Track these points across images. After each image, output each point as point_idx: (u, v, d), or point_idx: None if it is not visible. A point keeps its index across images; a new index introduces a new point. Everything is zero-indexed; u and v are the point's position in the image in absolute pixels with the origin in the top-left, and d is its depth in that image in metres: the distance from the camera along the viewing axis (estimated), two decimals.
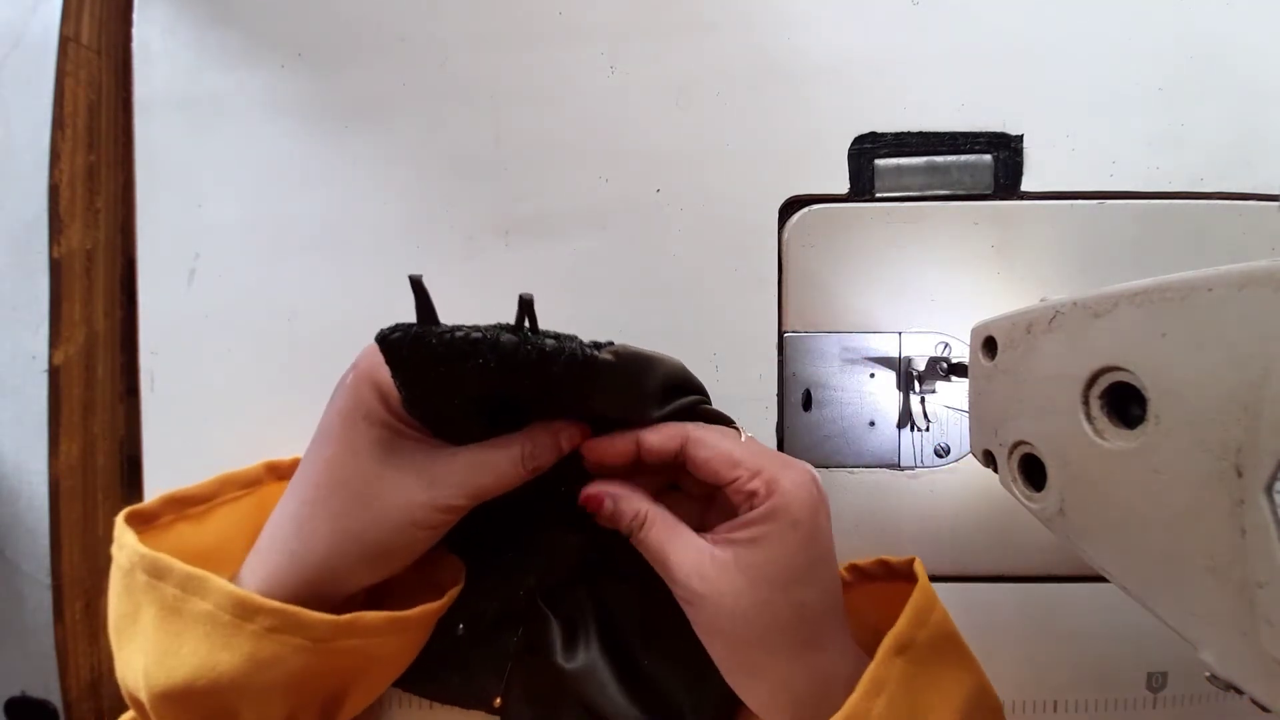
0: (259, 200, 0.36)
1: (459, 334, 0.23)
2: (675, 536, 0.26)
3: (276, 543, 0.26)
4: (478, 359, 0.23)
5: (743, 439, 0.27)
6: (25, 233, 0.37)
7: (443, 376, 0.24)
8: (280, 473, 0.33)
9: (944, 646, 0.27)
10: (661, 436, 0.26)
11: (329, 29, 0.36)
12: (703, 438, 0.26)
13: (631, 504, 0.26)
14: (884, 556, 0.31)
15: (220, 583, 0.24)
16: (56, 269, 0.37)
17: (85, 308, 0.37)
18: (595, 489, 0.27)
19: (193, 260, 0.36)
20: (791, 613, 0.25)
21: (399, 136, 0.36)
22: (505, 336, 0.23)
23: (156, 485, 0.36)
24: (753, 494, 0.25)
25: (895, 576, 0.31)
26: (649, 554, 0.26)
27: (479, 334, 0.23)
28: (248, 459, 0.35)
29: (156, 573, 0.25)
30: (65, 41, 0.37)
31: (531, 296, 0.24)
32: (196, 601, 0.24)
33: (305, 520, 0.25)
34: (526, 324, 0.24)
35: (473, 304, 0.35)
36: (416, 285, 0.24)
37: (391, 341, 0.24)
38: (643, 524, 0.26)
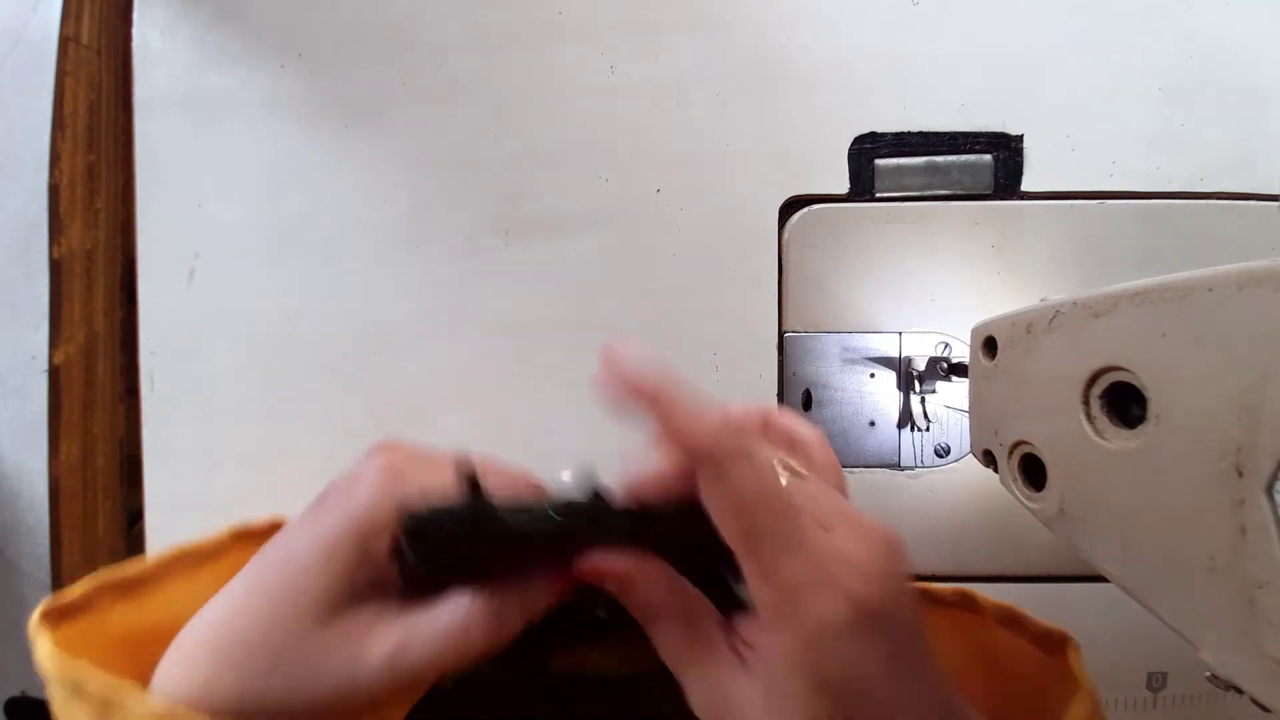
0: (259, 200, 0.36)
1: (509, 519, 0.19)
2: (687, 658, 0.20)
3: (200, 643, 0.21)
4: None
5: (784, 479, 0.19)
6: (25, 233, 0.37)
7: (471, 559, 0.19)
8: (252, 539, 0.26)
9: None
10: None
11: (329, 29, 0.36)
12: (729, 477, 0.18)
13: (638, 595, 0.20)
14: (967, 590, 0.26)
15: (141, 701, 0.19)
16: (56, 269, 0.37)
17: (85, 308, 0.37)
18: (603, 565, 0.20)
19: (193, 260, 0.36)
20: None
21: (399, 136, 0.36)
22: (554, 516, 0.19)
23: (156, 485, 0.36)
24: (757, 611, 0.18)
25: (963, 606, 0.25)
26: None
27: (526, 517, 0.19)
28: (247, 459, 0.35)
29: (74, 689, 0.20)
30: (65, 41, 0.37)
31: (472, 469, 0.19)
32: None
33: (224, 635, 0.20)
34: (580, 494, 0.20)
35: (473, 304, 0.36)
36: (468, 476, 0.19)
37: (423, 527, 0.19)
38: (652, 623, 0.20)
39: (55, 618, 0.22)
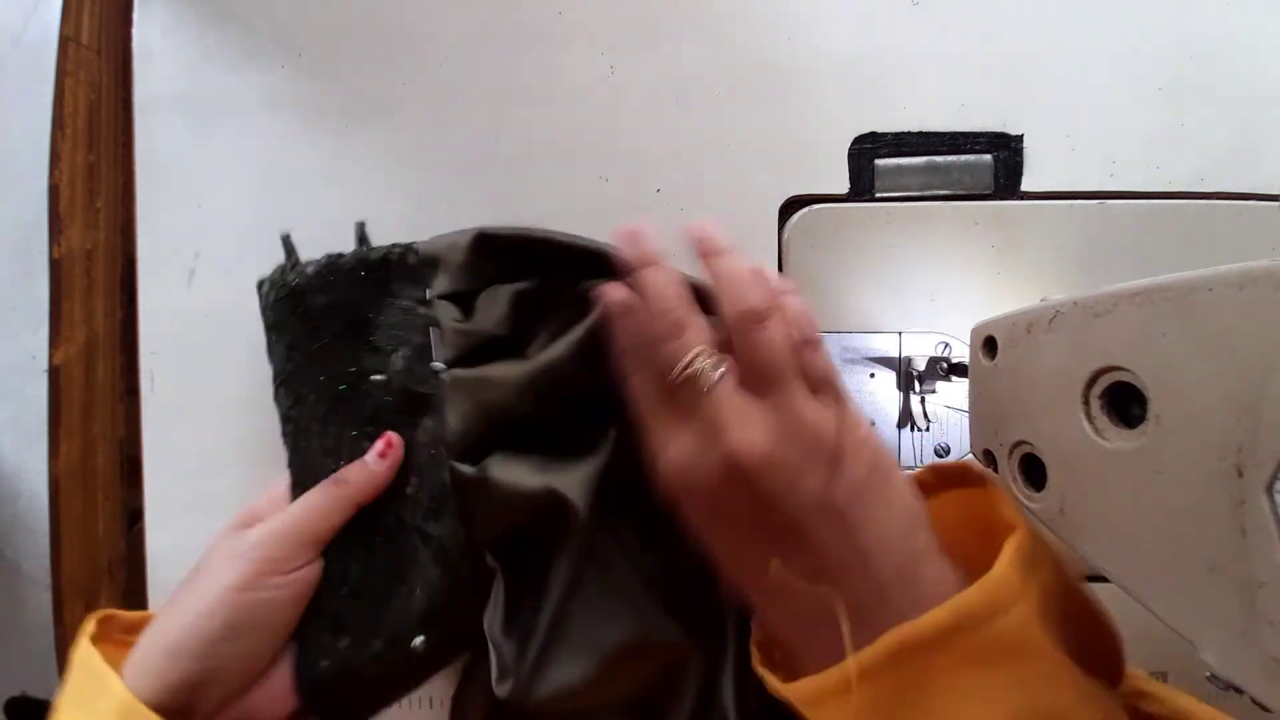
0: (259, 200, 0.36)
1: None
2: (650, 400, 0.25)
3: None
4: None
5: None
6: (25, 233, 0.37)
7: None
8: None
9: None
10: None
11: (329, 29, 0.36)
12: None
13: (630, 323, 0.26)
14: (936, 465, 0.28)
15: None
16: (56, 269, 0.37)
17: (85, 308, 0.37)
18: (614, 294, 0.27)
19: (193, 260, 0.36)
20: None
21: (399, 136, 0.36)
22: None
23: (156, 485, 0.36)
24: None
25: (965, 483, 0.27)
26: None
27: None
28: (247, 459, 0.35)
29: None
30: (65, 41, 0.36)
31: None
32: None
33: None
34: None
35: None
36: None
37: None
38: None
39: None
